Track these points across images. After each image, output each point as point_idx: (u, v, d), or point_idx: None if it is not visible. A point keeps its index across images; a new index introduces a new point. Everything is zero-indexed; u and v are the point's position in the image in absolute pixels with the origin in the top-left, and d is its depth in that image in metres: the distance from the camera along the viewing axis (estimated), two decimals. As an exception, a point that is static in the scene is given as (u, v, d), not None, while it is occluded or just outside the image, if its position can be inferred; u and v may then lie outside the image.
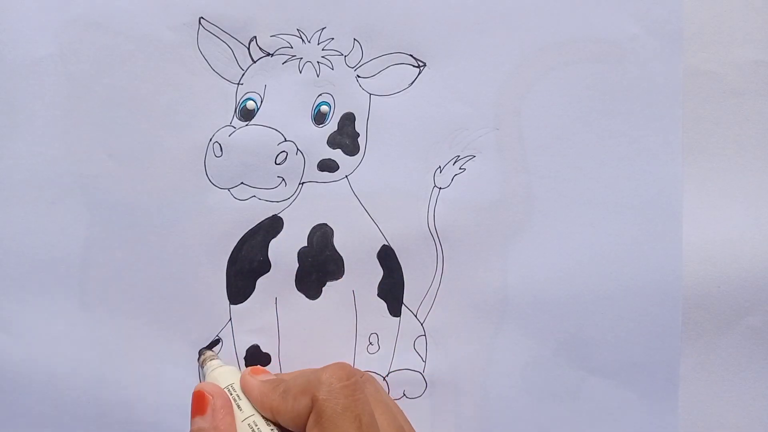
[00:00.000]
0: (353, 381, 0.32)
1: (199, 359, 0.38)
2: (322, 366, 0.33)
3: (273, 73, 0.37)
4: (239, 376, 0.35)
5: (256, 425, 0.33)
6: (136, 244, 0.37)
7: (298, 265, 0.38)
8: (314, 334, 0.38)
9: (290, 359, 0.38)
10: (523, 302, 0.39)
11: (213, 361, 0.37)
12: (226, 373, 0.36)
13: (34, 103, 0.36)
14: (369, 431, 0.31)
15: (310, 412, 0.31)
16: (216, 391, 0.34)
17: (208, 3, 0.36)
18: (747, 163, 0.41)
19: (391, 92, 0.38)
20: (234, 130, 0.37)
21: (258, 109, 0.37)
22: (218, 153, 0.37)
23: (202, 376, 0.37)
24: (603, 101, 0.39)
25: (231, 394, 0.35)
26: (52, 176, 0.36)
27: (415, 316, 0.39)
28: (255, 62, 0.37)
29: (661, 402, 0.40)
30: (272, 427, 0.33)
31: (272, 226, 0.38)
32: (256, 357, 0.38)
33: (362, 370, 0.39)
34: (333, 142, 0.38)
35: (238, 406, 0.34)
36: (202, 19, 0.37)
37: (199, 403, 0.34)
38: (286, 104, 0.38)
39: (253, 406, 0.34)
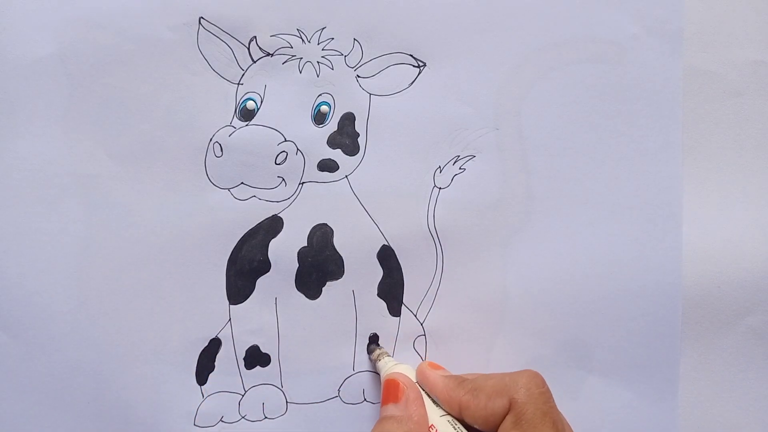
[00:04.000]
0: (547, 389, 0.33)
1: (371, 355, 0.38)
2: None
3: (273, 73, 0.37)
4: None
5: (455, 423, 0.34)
6: (136, 244, 0.37)
7: (298, 265, 0.38)
8: (314, 334, 0.38)
9: (290, 359, 0.38)
10: (523, 302, 0.39)
11: (388, 357, 0.37)
12: (407, 370, 0.36)
13: (34, 103, 0.36)
14: None
15: (506, 414, 0.33)
16: (408, 382, 0.35)
17: (208, 3, 0.36)
18: (747, 163, 0.41)
19: (391, 92, 0.38)
20: (234, 130, 0.37)
21: (258, 109, 0.37)
22: (218, 153, 0.37)
23: (377, 371, 0.38)
24: (603, 101, 0.39)
25: (423, 390, 0.36)
26: (52, 176, 0.36)
27: (415, 316, 0.39)
28: (255, 62, 0.37)
29: (661, 402, 0.40)
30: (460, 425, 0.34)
31: (272, 226, 0.38)
32: (255, 357, 0.38)
33: (362, 370, 0.39)
34: (333, 142, 0.38)
35: (434, 402, 0.35)
36: (202, 19, 0.37)
37: (393, 391, 0.35)
38: (286, 104, 0.38)
39: (434, 401, 0.35)
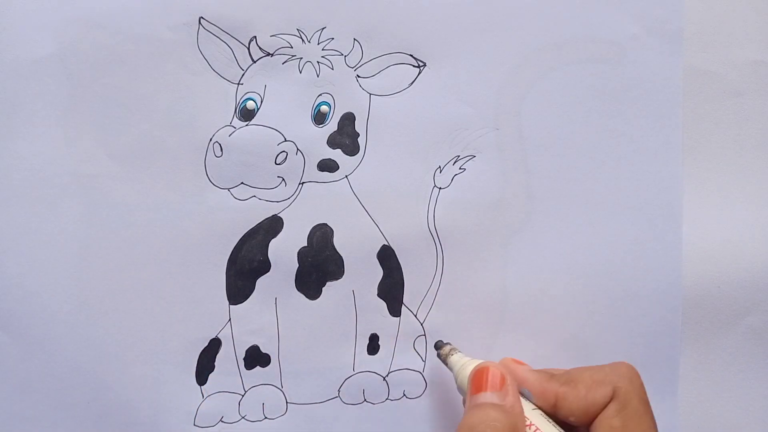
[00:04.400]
0: (642, 381, 0.33)
1: (440, 351, 0.37)
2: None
3: (273, 73, 0.37)
4: None
5: (547, 416, 0.34)
6: (136, 244, 0.37)
7: (298, 265, 0.38)
8: (314, 334, 0.38)
9: (290, 359, 0.38)
10: (523, 302, 0.39)
11: (461, 353, 0.37)
12: (491, 365, 0.35)
13: (34, 103, 0.36)
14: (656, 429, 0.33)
15: (607, 402, 0.32)
16: (508, 374, 0.34)
17: (208, 3, 0.36)
18: (747, 163, 0.41)
19: (391, 92, 0.38)
20: (234, 130, 0.37)
21: (258, 109, 0.37)
22: (218, 153, 0.37)
23: (449, 368, 0.37)
24: (603, 101, 0.39)
25: None
26: (52, 176, 0.36)
27: (415, 316, 0.39)
28: (255, 62, 0.37)
29: (661, 402, 0.40)
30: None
31: (272, 226, 0.38)
32: (255, 357, 0.38)
33: (362, 370, 0.39)
34: (333, 142, 0.38)
35: (523, 395, 0.34)
36: (202, 19, 0.37)
37: (494, 379, 0.33)
38: (286, 104, 0.38)
39: (523, 395, 0.34)
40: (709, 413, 0.41)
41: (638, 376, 0.33)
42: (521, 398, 0.34)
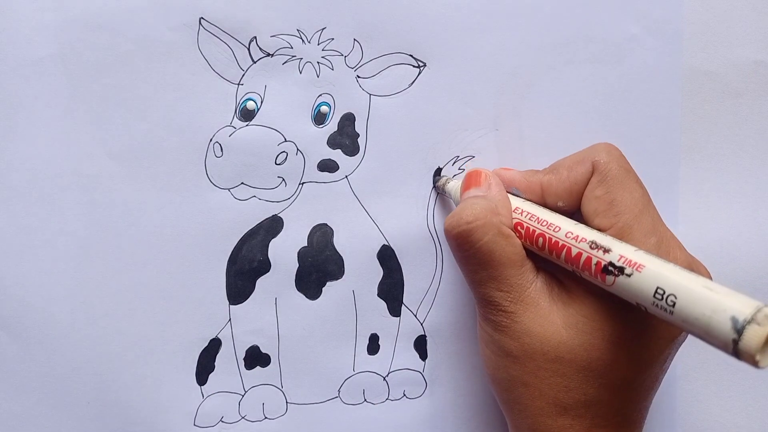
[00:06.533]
0: (621, 152, 0.34)
1: (437, 184, 0.39)
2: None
3: (273, 74, 0.37)
4: None
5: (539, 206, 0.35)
6: (136, 244, 0.37)
7: (298, 265, 0.38)
8: (314, 334, 0.38)
9: (290, 359, 0.38)
10: (522, 302, 0.39)
11: (456, 181, 0.38)
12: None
13: (34, 103, 0.36)
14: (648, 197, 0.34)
15: (589, 178, 0.34)
16: (490, 172, 0.36)
17: (208, 3, 0.36)
18: (745, 164, 0.41)
19: (391, 92, 0.38)
20: (234, 130, 0.37)
21: (258, 109, 0.37)
22: (218, 153, 0.37)
23: (447, 195, 0.38)
24: (603, 101, 0.40)
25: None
26: (52, 176, 0.36)
27: (415, 316, 0.39)
28: (255, 62, 0.37)
29: (661, 402, 0.40)
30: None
31: (272, 226, 0.38)
32: (255, 357, 0.38)
33: (362, 370, 0.39)
34: (333, 142, 0.38)
35: (514, 194, 0.36)
36: (202, 20, 0.37)
37: (476, 178, 0.36)
38: (286, 104, 0.38)
39: (514, 194, 0.36)
40: (708, 413, 0.41)
41: (616, 149, 0.34)
42: (512, 196, 0.35)
